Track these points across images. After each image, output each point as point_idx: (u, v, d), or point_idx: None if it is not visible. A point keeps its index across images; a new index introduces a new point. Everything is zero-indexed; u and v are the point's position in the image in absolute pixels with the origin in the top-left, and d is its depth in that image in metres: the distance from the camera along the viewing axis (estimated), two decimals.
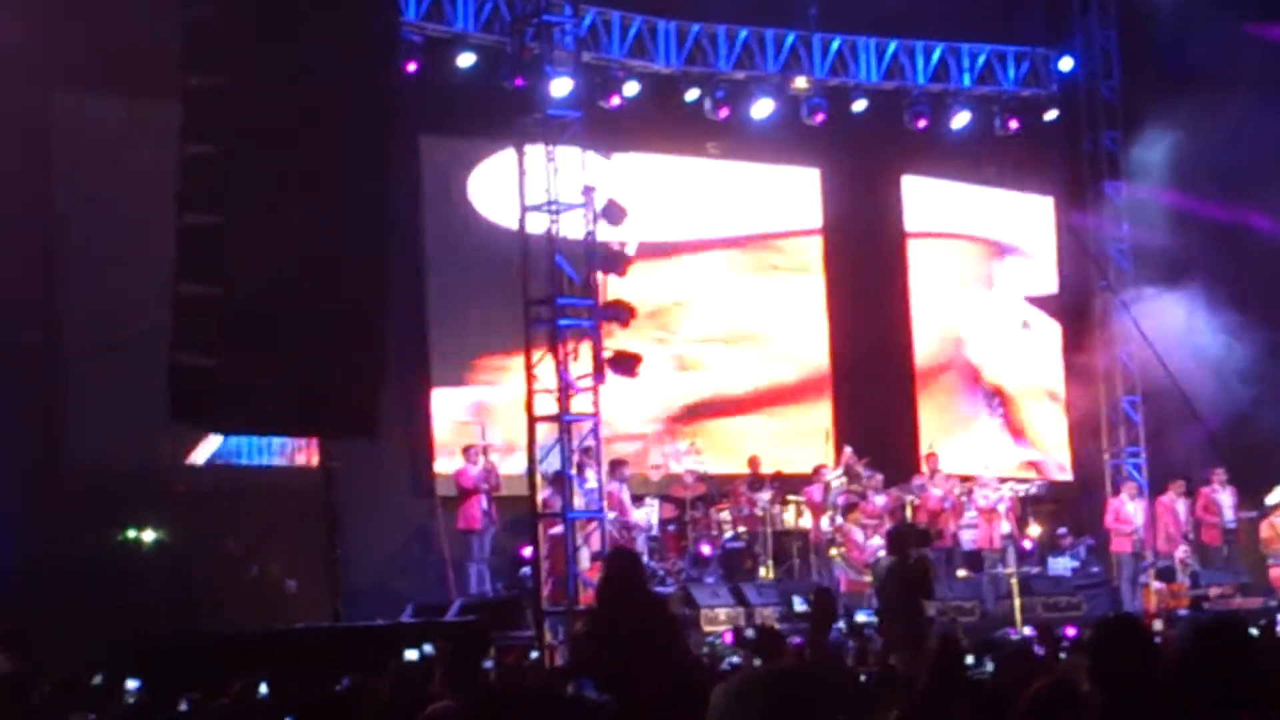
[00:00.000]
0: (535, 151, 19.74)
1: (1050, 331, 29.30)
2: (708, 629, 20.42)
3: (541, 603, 19.28)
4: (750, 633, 17.80)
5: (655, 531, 22.84)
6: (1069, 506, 28.08)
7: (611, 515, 21.22)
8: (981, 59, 27.38)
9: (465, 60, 23.22)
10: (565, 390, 19.51)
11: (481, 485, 21.70)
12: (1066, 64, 27.87)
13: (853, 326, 27.44)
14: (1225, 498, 24.81)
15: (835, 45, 26.37)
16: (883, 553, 18.21)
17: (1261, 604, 22.95)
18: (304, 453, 21.77)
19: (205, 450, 21.76)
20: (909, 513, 24.08)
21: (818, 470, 23.90)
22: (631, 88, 24.55)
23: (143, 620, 18.63)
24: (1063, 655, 12.99)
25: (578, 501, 19.86)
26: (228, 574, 20.90)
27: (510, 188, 20.18)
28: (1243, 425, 24.92)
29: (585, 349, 19.68)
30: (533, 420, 19.61)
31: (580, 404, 19.83)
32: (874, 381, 27.24)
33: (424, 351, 23.85)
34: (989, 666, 12.07)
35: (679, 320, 26.42)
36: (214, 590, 20.40)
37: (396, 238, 19.27)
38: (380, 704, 9.67)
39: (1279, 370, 25.13)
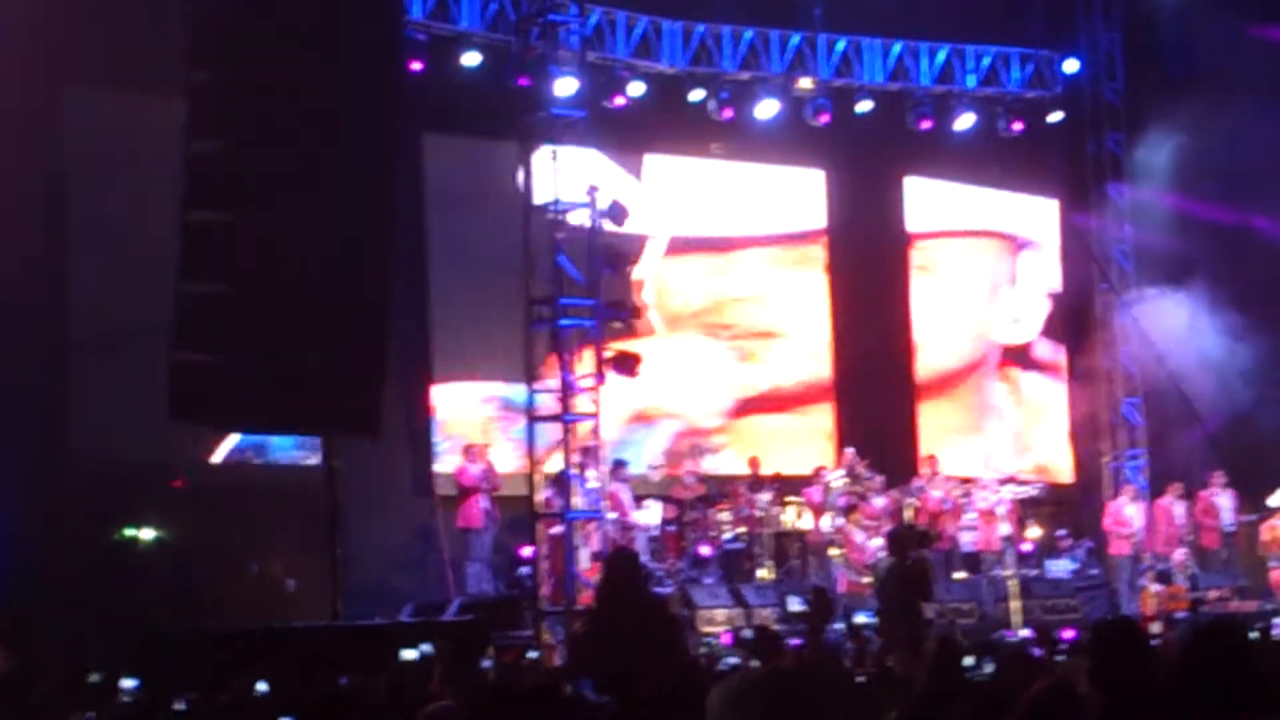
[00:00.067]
0: (540, 151, 19.74)
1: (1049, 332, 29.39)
2: (706, 630, 20.41)
3: (540, 603, 19.29)
4: (748, 633, 17.78)
5: (656, 532, 22.84)
6: (1068, 509, 28.08)
7: (612, 516, 21.24)
8: (986, 60, 27.39)
9: (470, 59, 23.23)
10: (567, 390, 19.51)
11: (481, 484, 21.71)
12: (1070, 66, 27.88)
13: (855, 328, 27.43)
14: (1224, 501, 24.81)
15: (840, 46, 26.40)
16: (883, 554, 18.22)
17: (1259, 607, 22.95)
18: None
19: (223, 449, 21.79)
20: (908, 514, 24.09)
21: (818, 472, 23.91)
22: (636, 88, 24.56)
23: (143, 618, 18.62)
24: (1060, 658, 12.99)
25: (578, 501, 19.86)
26: (228, 572, 20.92)
27: (515, 186, 20.19)
28: (1243, 427, 24.92)
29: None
30: (533, 420, 19.62)
31: (582, 404, 19.84)
32: (875, 383, 27.24)
33: (426, 350, 23.86)
34: (988, 668, 12.08)
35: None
36: (214, 588, 20.40)
37: (399, 236, 19.27)
38: (379, 703, 9.68)
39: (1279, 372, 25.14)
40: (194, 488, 21.16)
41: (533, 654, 17.75)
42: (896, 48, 26.78)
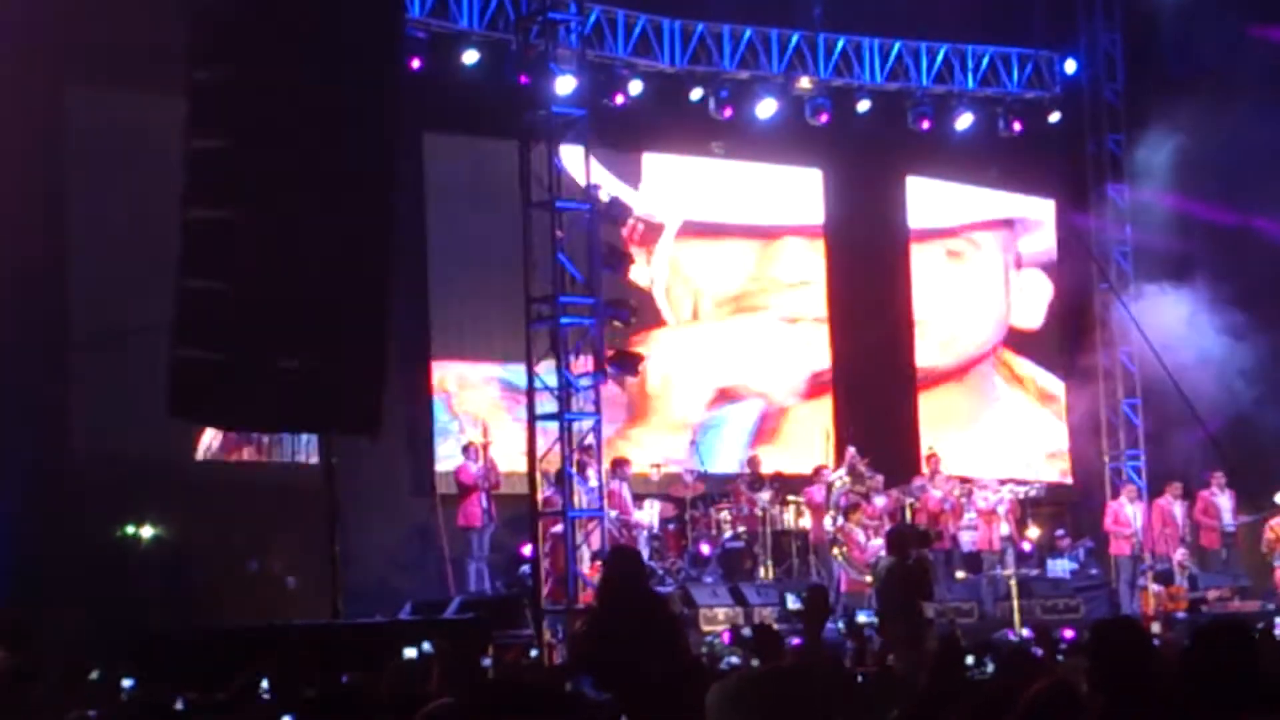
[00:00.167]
0: (539, 149, 19.74)
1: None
2: (706, 629, 20.41)
3: (541, 601, 19.28)
4: (747, 632, 17.78)
5: (657, 530, 22.85)
6: (1069, 509, 28.10)
7: (613, 514, 21.24)
8: (985, 61, 27.38)
9: (470, 57, 23.23)
10: (566, 389, 19.51)
11: (481, 483, 21.72)
12: (1070, 66, 27.89)
13: (854, 327, 27.45)
14: (1224, 501, 24.83)
15: (839, 46, 26.38)
16: (883, 553, 18.21)
17: (1260, 607, 22.96)
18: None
19: (205, 447, 21.77)
20: (909, 514, 24.10)
21: (818, 471, 23.91)
22: (636, 86, 24.56)
23: (142, 616, 18.64)
24: (1060, 658, 12.99)
25: (579, 500, 19.85)
26: (228, 570, 20.92)
27: (514, 185, 20.17)
28: (1243, 428, 24.93)
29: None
30: (533, 418, 19.61)
31: (581, 402, 19.84)
32: (874, 382, 27.25)
33: (426, 349, 23.87)
34: (988, 668, 12.09)
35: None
36: (214, 587, 20.40)
37: (400, 235, 19.27)
38: (380, 701, 9.67)
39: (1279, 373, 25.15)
40: (193, 487, 21.16)
41: (533, 653, 17.77)
42: (896, 47, 26.77)
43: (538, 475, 19.73)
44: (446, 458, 23.45)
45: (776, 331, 27.32)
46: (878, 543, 21.63)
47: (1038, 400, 29.29)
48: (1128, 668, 6.52)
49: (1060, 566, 25.37)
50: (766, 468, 24.25)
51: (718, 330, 26.87)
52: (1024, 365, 29.25)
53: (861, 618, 19.40)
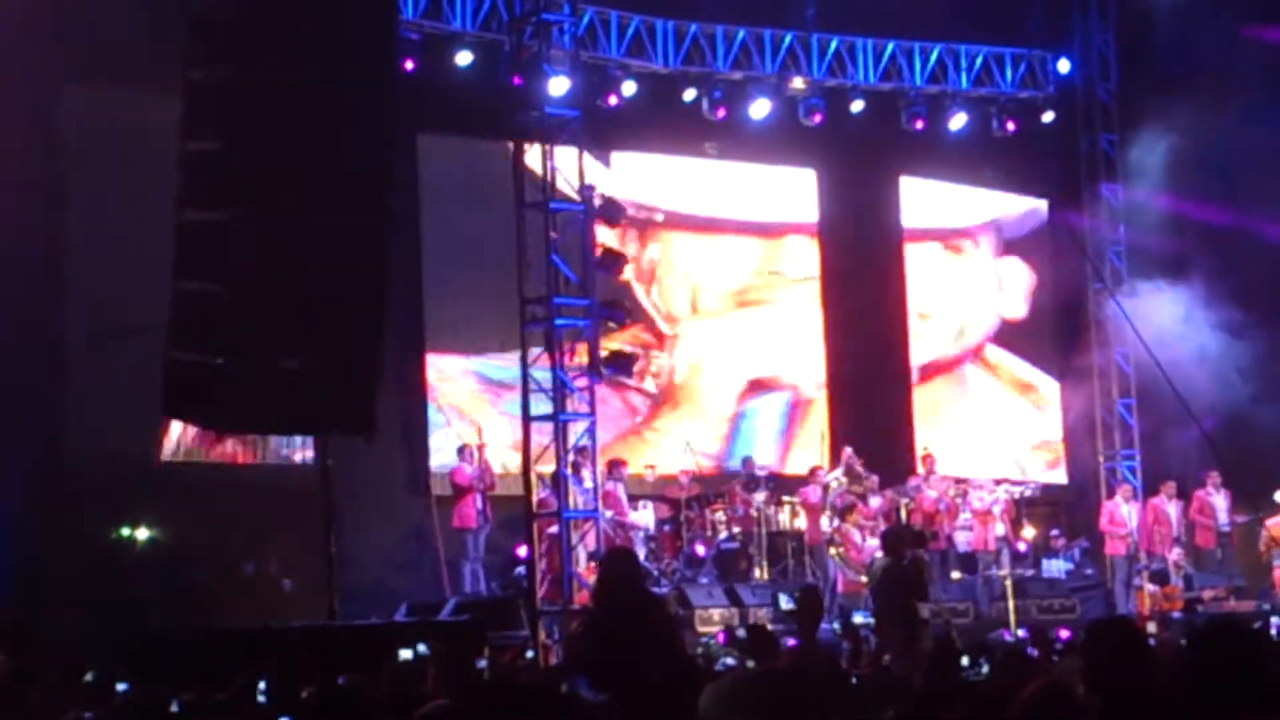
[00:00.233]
0: (533, 150, 19.73)
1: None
2: (702, 630, 20.42)
3: (536, 602, 19.28)
4: (742, 632, 17.79)
5: (653, 532, 22.86)
6: (1064, 509, 28.12)
7: (608, 514, 21.25)
8: (979, 60, 27.41)
9: (463, 59, 23.26)
10: (561, 389, 19.51)
11: (476, 484, 21.72)
12: (1064, 66, 27.92)
13: (848, 327, 27.47)
14: (1219, 500, 24.85)
15: (833, 46, 26.41)
16: (879, 554, 18.22)
17: (1255, 607, 22.98)
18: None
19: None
20: (904, 514, 24.11)
21: (813, 471, 23.92)
22: (629, 87, 24.58)
23: (139, 617, 18.63)
24: (1055, 658, 12.99)
25: (575, 501, 19.85)
26: (224, 572, 20.91)
27: (507, 186, 20.17)
28: (1238, 427, 24.94)
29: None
30: (528, 419, 19.61)
31: (575, 403, 19.84)
32: (869, 383, 27.27)
33: (420, 350, 23.87)
34: (983, 668, 12.09)
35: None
36: (210, 588, 20.40)
37: (394, 236, 19.26)
38: (376, 702, 9.68)
39: (1275, 372, 25.16)
40: (191, 486, 21.16)
41: (529, 653, 17.76)
42: (889, 47, 26.80)
43: (533, 476, 19.71)
44: (437, 449, 23.49)
45: (798, 324, 27.50)
46: (874, 543, 21.64)
47: (1013, 389, 29.27)
48: (1123, 668, 6.52)
49: (1055, 567, 25.40)
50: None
51: (740, 321, 27.04)
52: (997, 353, 29.25)
53: (858, 618, 19.40)
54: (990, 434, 28.50)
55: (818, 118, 25.91)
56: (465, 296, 23.73)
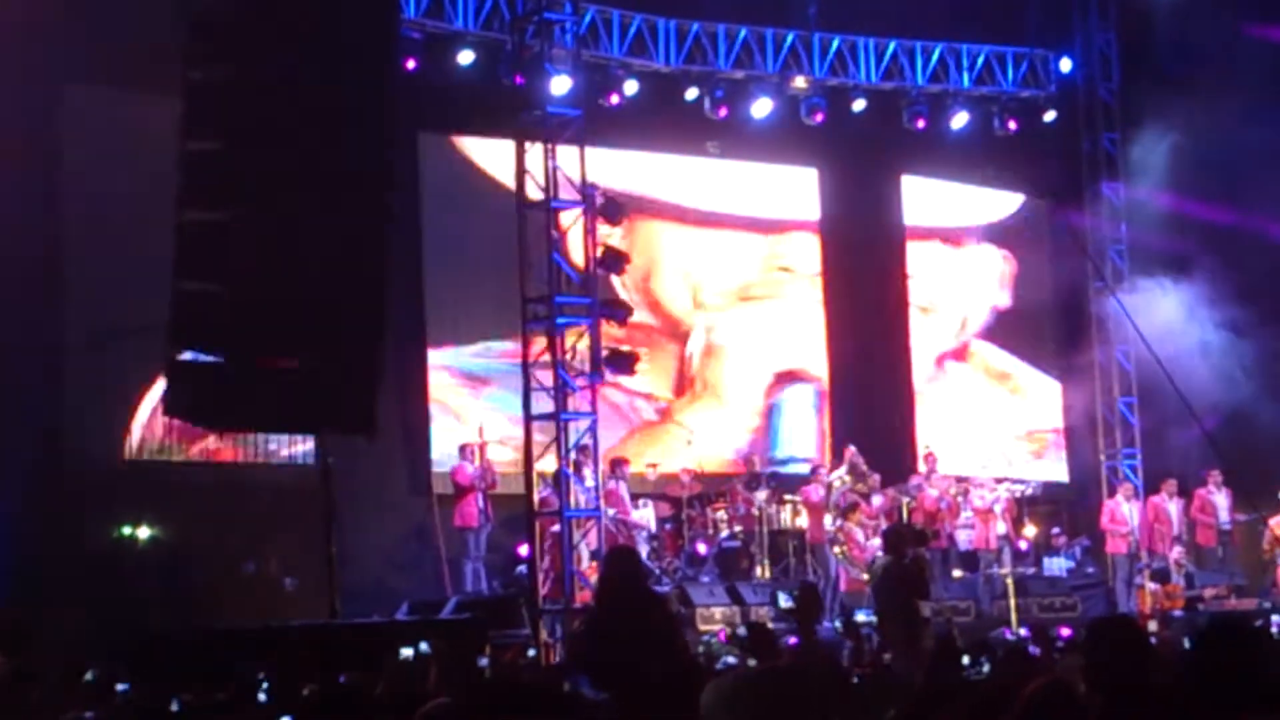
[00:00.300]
0: (534, 149, 19.73)
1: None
2: (703, 628, 20.42)
3: (538, 601, 19.28)
4: (742, 631, 17.78)
5: (655, 530, 22.86)
6: (1065, 507, 28.11)
7: (611, 512, 21.25)
8: (980, 60, 27.40)
9: (465, 58, 23.26)
10: (562, 388, 19.50)
11: (478, 483, 21.72)
12: (1065, 65, 27.92)
13: (849, 325, 27.47)
14: (1220, 499, 24.84)
15: (834, 45, 26.40)
16: (880, 553, 18.22)
17: (1256, 605, 22.97)
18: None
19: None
20: (905, 513, 24.11)
21: (815, 470, 23.91)
22: (631, 86, 24.59)
23: (141, 616, 18.63)
24: (1057, 656, 12.98)
25: (576, 500, 19.84)
26: (225, 571, 20.91)
27: (509, 185, 20.17)
28: (1239, 426, 24.92)
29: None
30: (529, 418, 19.60)
31: (577, 402, 19.82)
32: (871, 381, 27.27)
33: (421, 349, 23.87)
34: (985, 667, 12.09)
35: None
36: (212, 587, 20.40)
37: (394, 235, 19.25)
38: (377, 701, 9.68)
39: (1277, 370, 25.15)
40: (191, 488, 21.15)
41: (531, 652, 17.76)
42: (891, 47, 26.80)
43: (534, 475, 19.70)
44: (439, 448, 23.49)
45: (803, 319, 27.66)
46: (877, 542, 21.65)
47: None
48: (1124, 666, 6.51)
49: (1057, 565, 25.39)
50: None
51: (747, 316, 27.18)
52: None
53: (860, 617, 19.40)
54: (975, 426, 28.51)
55: (819, 117, 25.92)
56: (466, 296, 23.72)
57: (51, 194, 20.86)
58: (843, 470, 23.73)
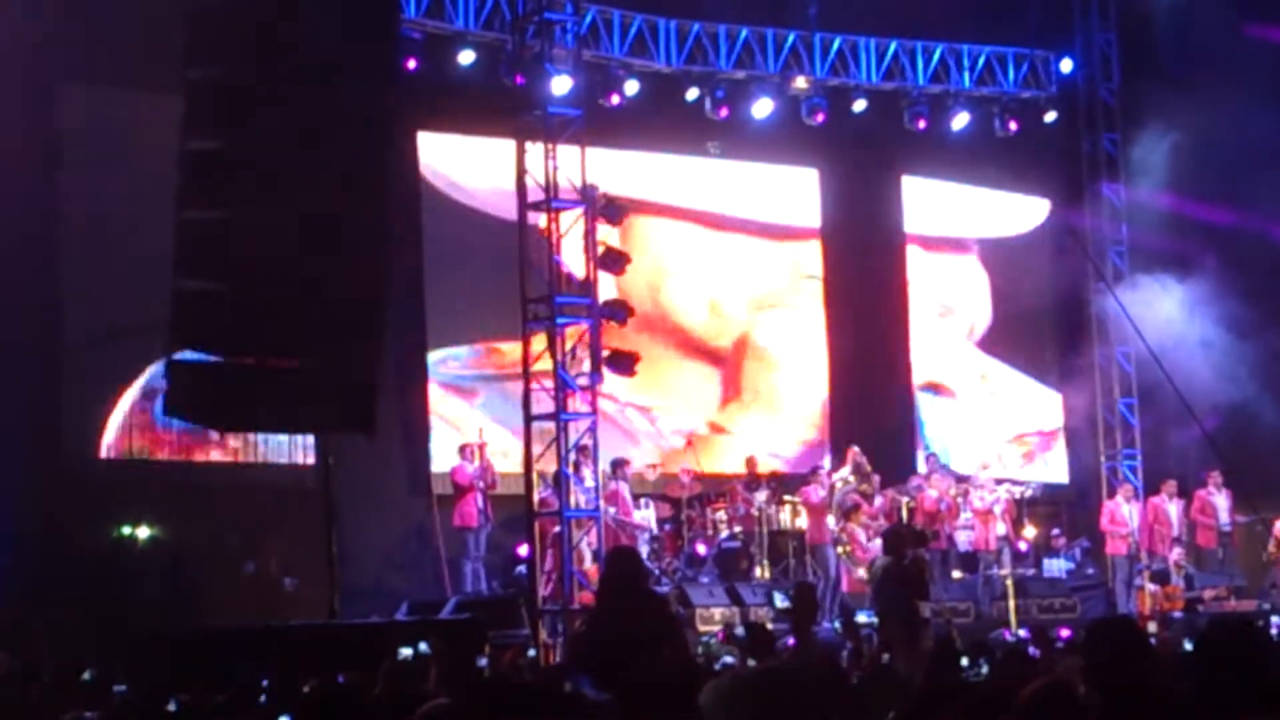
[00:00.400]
0: (535, 149, 19.72)
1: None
2: (703, 629, 20.40)
3: (538, 601, 19.27)
4: (740, 630, 17.77)
5: (655, 531, 22.85)
6: (1065, 508, 28.11)
7: (611, 510, 21.25)
8: (981, 60, 27.40)
9: (465, 57, 23.27)
10: (562, 389, 19.49)
11: (478, 483, 21.71)
12: (1066, 66, 27.93)
13: (850, 326, 27.45)
14: (1221, 500, 24.83)
15: (835, 45, 26.41)
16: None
17: (1256, 606, 22.97)
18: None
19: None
20: (905, 514, 24.10)
21: (814, 471, 23.89)
22: (632, 86, 24.60)
23: (141, 616, 18.64)
24: (1056, 657, 12.97)
25: (576, 500, 19.83)
26: (224, 571, 20.91)
27: (509, 185, 20.16)
28: (1239, 427, 24.92)
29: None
30: (529, 418, 19.59)
31: (577, 403, 19.82)
32: (870, 382, 27.26)
33: (421, 348, 23.86)
34: (984, 668, 12.07)
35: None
36: (210, 587, 20.40)
37: (395, 235, 19.25)
38: (377, 701, 9.67)
39: (1276, 372, 25.15)
40: (190, 487, 21.15)
41: (531, 652, 17.76)
42: (892, 47, 26.80)
43: (534, 475, 19.69)
44: (438, 448, 23.49)
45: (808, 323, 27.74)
46: (878, 543, 21.64)
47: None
48: (1124, 667, 6.51)
49: (1056, 566, 25.38)
50: None
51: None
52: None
53: (861, 618, 19.40)
54: (971, 430, 28.59)
55: (820, 117, 25.93)
56: (466, 295, 23.71)
57: (47, 193, 20.84)
58: (846, 471, 23.72)
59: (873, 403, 27.06)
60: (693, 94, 25.42)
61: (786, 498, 23.58)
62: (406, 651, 13.79)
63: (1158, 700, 6.30)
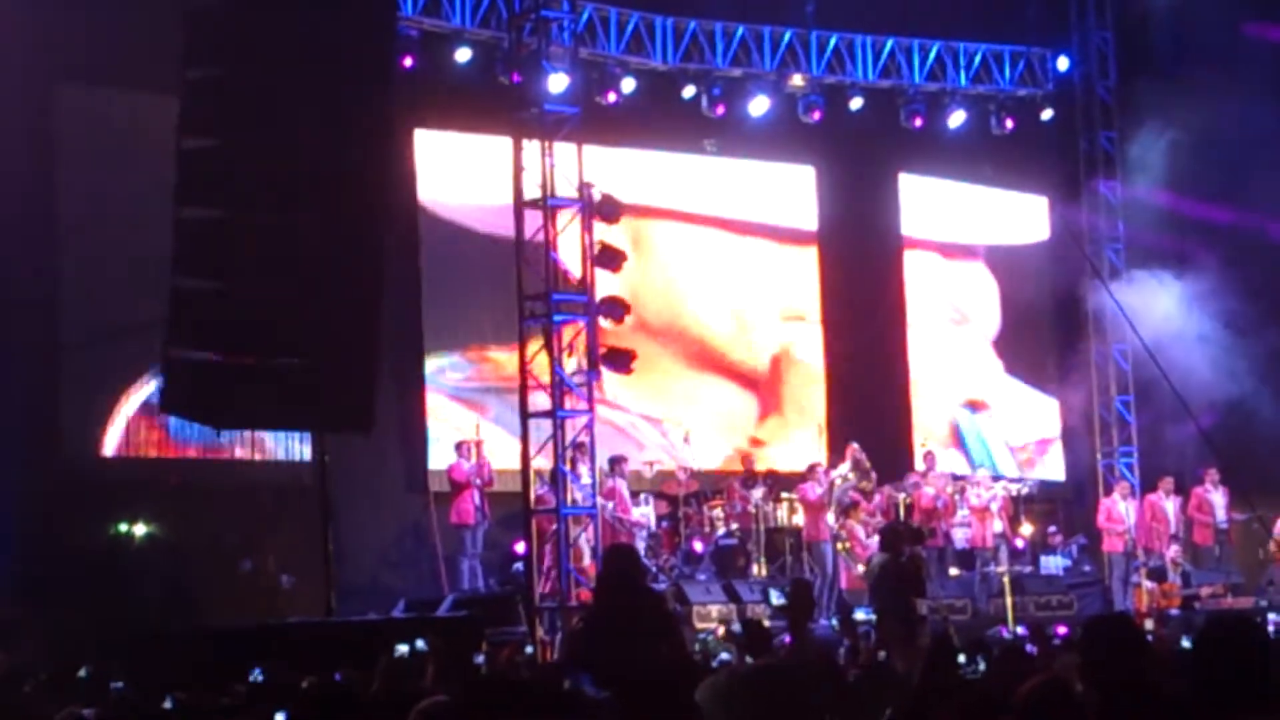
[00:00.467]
0: (531, 147, 19.72)
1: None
2: (700, 626, 20.41)
3: (534, 598, 19.28)
4: (737, 628, 17.77)
5: (654, 528, 22.85)
6: (1061, 506, 28.12)
7: (608, 506, 21.26)
8: (978, 58, 27.40)
9: (462, 55, 23.26)
10: (559, 386, 19.50)
11: (474, 480, 21.70)
12: (1063, 64, 27.91)
13: (847, 323, 27.45)
14: (1217, 498, 24.83)
15: (832, 43, 26.41)
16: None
17: (1253, 604, 22.97)
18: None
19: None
20: (902, 511, 24.10)
21: (812, 468, 23.87)
22: (628, 84, 24.59)
23: (138, 615, 18.63)
24: (1054, 654, 12.97)
25: (573, 497, 19.83)
26: (221, 569, 20.90)
27: (506, 183, 20.16)
28: (1236, 424, 24.92)
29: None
30: (526, 416, 19.59)
31: (574, 400, 19.82)
32: (866, 379, 27.25)
33: (418, 346, 23.85)
34: (981, 665, 12.09)
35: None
36: (207, 584, 20.40)
37: (391, 232, 19.25)
38: (373, 698, 9.68)
39: (1273, 370, 25.15)
40: (187, 483, 21.15)
41: (528, 649, 17.76)
42: (888, 45, 26.80)
43: (531, 472, 19.69)
44: (435, 446, 23.49)
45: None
46: (876, 540, 21.65)
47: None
48: (1121, 665, 6.50)
49: (1053, 563, 25.38)
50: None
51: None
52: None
53: (860, 615, 19.40)
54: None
55: (817, 115, 25.92)
56: (463, 293, 23.71)
57: (45, 192, 20.84)
58: (846, 468, 23.69)
59: (871, 400, 27.03)
60: (689, 91, 25.42)
61: (784, 495, 23.58)
62: (403, 649, 13.80)
63: (1154, 697, 6.30)
